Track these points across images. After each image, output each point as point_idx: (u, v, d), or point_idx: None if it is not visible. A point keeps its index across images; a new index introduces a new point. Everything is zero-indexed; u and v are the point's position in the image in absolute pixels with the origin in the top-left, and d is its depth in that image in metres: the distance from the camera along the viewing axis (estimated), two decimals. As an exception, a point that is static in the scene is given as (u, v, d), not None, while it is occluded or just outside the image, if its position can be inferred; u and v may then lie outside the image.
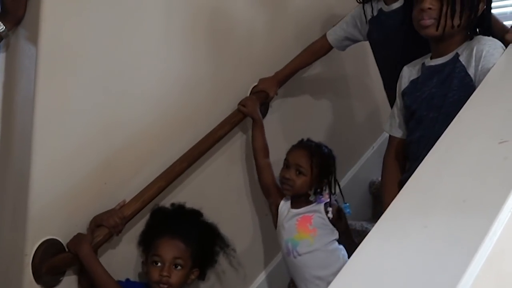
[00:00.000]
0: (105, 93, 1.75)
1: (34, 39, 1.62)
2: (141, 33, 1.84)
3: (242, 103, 2.04)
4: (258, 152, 2.03)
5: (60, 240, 1.64)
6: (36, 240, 1.60)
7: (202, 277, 1.81)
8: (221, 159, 2.03)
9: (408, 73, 1.77)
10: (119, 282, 1.70)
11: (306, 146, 1.94)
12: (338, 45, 2.18)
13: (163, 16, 1.90)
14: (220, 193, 2.00)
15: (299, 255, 1.87)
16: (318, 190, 1.91)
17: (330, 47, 2.19)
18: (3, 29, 1.63)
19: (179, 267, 1.68)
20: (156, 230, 1.75)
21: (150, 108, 1.86)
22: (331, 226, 1.89)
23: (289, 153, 1.94)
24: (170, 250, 1.69)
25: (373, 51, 2.12)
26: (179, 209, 1.82)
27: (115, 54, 1.77)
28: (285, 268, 1.96)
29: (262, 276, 2.16)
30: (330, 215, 1.87)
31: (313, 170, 1.89)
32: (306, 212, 1.91)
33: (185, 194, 1.91)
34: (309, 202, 1.92)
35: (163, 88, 1.90)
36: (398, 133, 1.81)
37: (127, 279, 1.76)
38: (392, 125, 1.83)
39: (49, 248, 1.61)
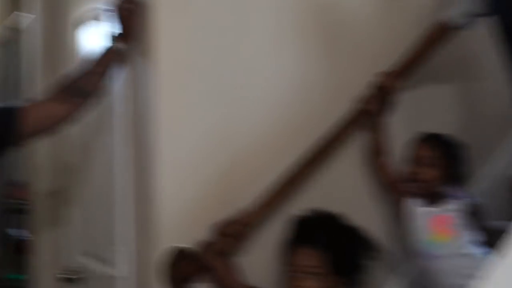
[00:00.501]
0: (221, 101, 1.77)
1: (150, 53, 1.69)
2: (251, 36, 1.83)
3: (361, 101, 1.95)
4: (376, 151, 1.95)
5: (187, 248, 1.67)
6: (163, 248, 1.64)
7: (348, 283, 1.71)
8: (346, 161, 1.96)
9: None
10: None
11: (431, 138, 1.84)
12: (459, 24, 1.98)
13: (273, 15, 1.88)
14: (348, 197, 1.92)
15: (436, 258, 1.76)
16: (452, 183, 1.78)
17: (451, 31, 2.01)
18: (122, 47, 1.71)
19: (314, 276, 1.61)
20: (290, 239, 1.72)
21: (266, 112, 1.85)
22: (469, 226, 1.76)
23: (413, 148, 1.83)
24: (304, 258, 1.64)
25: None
26: (316, 215, 1.75)
27: (227, 61, 1.79)
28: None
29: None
30: (468, 210, 1.74)
31: (443, 162, 1.77)
32: (442, 211, 1.79)
33: (309, 200, 1.86)
34: (443, 199, 1.80)
35: (277, 91, 1.87)
36: None
37: None
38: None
39: (178, 256, 1.65)
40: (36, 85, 2.51)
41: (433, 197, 1.81)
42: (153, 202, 1.66)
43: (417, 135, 1.88)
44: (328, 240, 1.67)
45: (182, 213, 1.68)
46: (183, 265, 1.64)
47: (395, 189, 1.91)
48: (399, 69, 2.02)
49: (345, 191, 1.96)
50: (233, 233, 1.66)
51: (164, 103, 1.68)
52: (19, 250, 3.34)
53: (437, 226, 1.78)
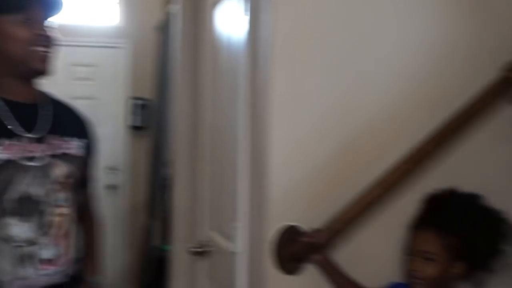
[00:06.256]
0: (343, 70, 1.64)
1: (270, 25, 1.62)
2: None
3: (509, 68, 1.69)
4: None
5: (301, 227, 1.59)
6: (277, 226, 1.59)
7: (481, 267, 1.57)
8: (481, 136, 1.72)
9: None
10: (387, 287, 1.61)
11: None
12: None
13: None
14: (482, 177, 1.69)
15: None
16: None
17: None
18: None
19: (429, 260, 1.51)
20: (414, 220, 1.61)
21: (395, 83, 1.68)
22: None
23: None
24: (419, 242, 1.54)
25: None
26: (449, 195, 1.61)
27: (352, 26, 1.65)
28: None
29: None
30: None
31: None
32: None
33: (437, 179, 1.66)
34: None
35: (410, 59, 1.69)
36: None
37: (392, 283, 1.62)
38: None
39: (290, 235, 1.58)
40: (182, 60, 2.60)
41: None
42: (267, 180, 1.60)
43: None
44: (455, 224, 1.53)
45: (295, 191, 1.60)
46: (294, 244, 1.57)
47: None
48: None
49: (485, 170, 1.73)
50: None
51: (282, 79, 1.60)
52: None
53: None
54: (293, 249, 1.58)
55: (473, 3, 1.75)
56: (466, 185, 1.61)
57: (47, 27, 1.64)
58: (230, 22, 2.05)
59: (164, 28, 4.15)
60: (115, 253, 4.68)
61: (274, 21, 1.61)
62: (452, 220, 1.53)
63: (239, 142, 1.85)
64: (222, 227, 2.05)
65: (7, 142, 1.56)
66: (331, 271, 1.58)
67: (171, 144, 3.61)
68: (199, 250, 2.25)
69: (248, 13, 1.80)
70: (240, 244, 1.79)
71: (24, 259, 1.57)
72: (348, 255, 1.62)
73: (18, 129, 1.60)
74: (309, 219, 1.59)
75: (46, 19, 1.65)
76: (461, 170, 1.69)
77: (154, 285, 4.02)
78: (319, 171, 1.63)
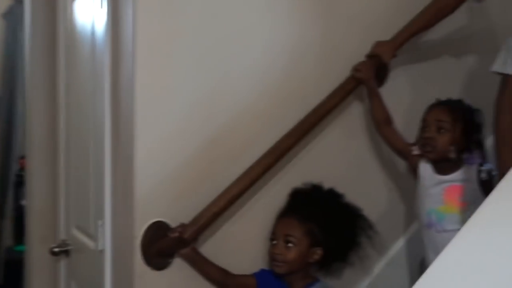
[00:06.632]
0: (206, 69, 1.68)
1: (132, 21, 1.61)
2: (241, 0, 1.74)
3: (356, 68, 1.86)
4: (378, 121, 1.86)
5: (168, 222, 1.62)
6: (144, 223, 1.60)
7: (340, 258, 1.72)
8: (335, 132, 1.88)
9: None
10: (255, 274, 1.69)
11: (444, 103, 1.77)
12: None
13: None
14: (336, 170, 1.85)
15: (445, 231, 1.69)
16: (467, 149, 1.71)
17: (460, 2, 1.88)
18: None
19: (290, 245, 1.62)
20: (280, 211, 1.72)
21: (255, 81, 1.76)
22: (482, 199, 1.66)
23: (426, 113, 1.77)
24: (283, 227, 1.65)
25: None
26: (313, 189, 1.75)
27: (214, 27, 1.69)
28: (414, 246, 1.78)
29: (383, 262, 1.98)
30: (484, 175, 1.67)
31: (457, 125, 1.70)
32: (454, 180, 1.72)
33: (296, 172, 1.79)
34: (456, 168, 1.73)
35: (267, 59, 1.78)
36: None
37: (262, 269, 1.72)
38: (507, 62, 1.57)
39: (157, 231, 1.60)
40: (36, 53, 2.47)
41: (446, 165, 1.74)
42: (133, 177, 1.60)
43: (418, 110, 1.80)
44: (310, 212, 1.65)
45: (161, 187, 1.62)
46: (161, 239, 1.59)
47: (406, 153, 1.83)
48: (398, 39, 1.91)
49: (338, 163, 1.89)
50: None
51: (146, 75, 1.60)
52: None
53: (446, 196, 1.72)
54: (161, 245, 1.60)
55: (324, 8, 1.88)
56: (323, 178, 1.76)
57: None
58: (90, 14, 2.00)
59: (11, 16, 3.89)
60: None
61: (135, 17, 1.60)
62: (314, 209, 1.66)
63: (103, 139, 1.81)
64: (86, 225, 2.00)
65: None
66: (200, 262, 1.63)
67: (23, 139, 3.42)
68: (60, 249, 2.18)
69: (105, 6, 1.77)
70: (105, 242, 1.77)
71: None
72: (217, 247, 1.68)
73: None
74: (176, 214, 1.62)
75: None
76: (318, 164, 1.83)
77: (3, 289, 3.79)
78: (184, 167, 1.66)
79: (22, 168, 3.86)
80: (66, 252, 2.21)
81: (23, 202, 4.06)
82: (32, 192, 2.46)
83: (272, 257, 1.64)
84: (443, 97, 1.81)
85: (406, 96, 2.05)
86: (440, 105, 1.77)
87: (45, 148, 2.43)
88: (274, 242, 1.65)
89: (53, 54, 2.39)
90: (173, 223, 1.62)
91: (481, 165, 1.71)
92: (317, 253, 1.65)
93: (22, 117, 3.58)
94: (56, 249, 2.19)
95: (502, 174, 1.56)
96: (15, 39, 3.74)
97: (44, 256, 2.31)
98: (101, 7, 1.81)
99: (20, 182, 3.74)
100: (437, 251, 1.67)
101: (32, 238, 2.44)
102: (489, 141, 1.82)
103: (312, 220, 1.64)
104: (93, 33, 1.96)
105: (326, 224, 1.65)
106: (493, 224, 0.76)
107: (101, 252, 1.80)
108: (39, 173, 2.44)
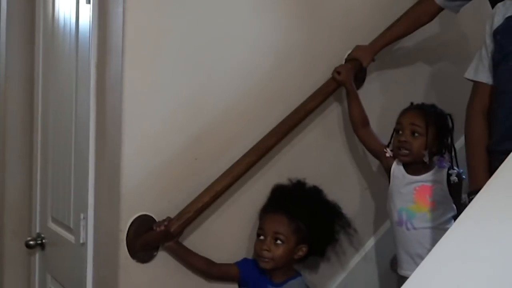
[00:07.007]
0: (193, 68, 1.72)
1: (122, 17, 1.63)
2: (228, 2, 1.78)
3: (336, 70, 1.92)
4: (356, 123, 1.93)
5: (153, 216, 1.65)
6: (129, 217, 1.63)
7: (319, 253, 1.79)
8: (315, 132, 1.94)
9: (504, 10, 1.58)
10: (237, 262, 1.74)
11: (418, 107, 1.84)
12: (448, 5, 1.94)
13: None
14: (315, 168, 1.91)
15: (414, 228, 1.77)
16: (438, 152, 1.79)
17: (437, 11, 1.97)
18: None
19: (279, 242, 1.67)
20: (266, 205, 1.77)
21: (240, 81, 1.81)
22: (451, 200, 1.77)
23: (400, 116, 1.84)
24: (272, 224, 1.69)
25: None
26: (297, 186, 1.80)
27: (202, 27, 1.73)
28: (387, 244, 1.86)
29: (358, 257, 2.06)
30: (454, 178, 1.75)
31: (429, 130, 1.77)
32: (425, 180, 1.79)
33: (277, 170, 1.85)
34: (427, 169, 1.80)
35: (253, 60, 1.83)
36: (487, 79, 1.63)
37: (245, 258, 1.77)
38: (478, 69, 1.64)
39: (142, 224, 1.63)
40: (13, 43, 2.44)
41: (418, 166, 1.81)
42: (119, 171, 1.62)
43: (393, 112, 1.87)
44: (298, 210, 1.70)
45: (147, 182, 1.65)
46: (146, 233, 1.62)
47: (381, 154, 1.90)
48: (377, 44, 1.98)
49: (317, 162, 1.95)
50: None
51: (131, 69, 1.62)
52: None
53: (417, 195, 1.79)
54: (146, 238, 1.63)
55: (308, 13, 1.95)
56: (302, 176, 1.82)
57: None
58: (73, 8, 2.00)
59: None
60: None
61: (125, 14, 1.61)
62: (301, 208, 1.71)
63: (87, 133, 1.82)
64: (64, 219, 2.01)
65: None
66: (184, 254, 1.67)
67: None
68: (35, 242, 2.17)
69: (92, 1, 1.78)
70: (88, 235, 1.78)
71: None
72: (200, 241, 1.72)
73: None
74: (161, 209, 1.66)
75: None
76: (297, 162, 1.89)
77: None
78: (170, 163, 1.69)
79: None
80: (41, 245, 2.20)
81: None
82: (5, 185, 2.43)
83: (259, 253, 1.68)
84: (414, 102, 1.88)
85: (380, 100, 2.13)
86: (415, 109, 1.84)
87: (20, 141, 2.40)
88: (262, 238, 1.69)
89: (31, 44, 2.37)
90: (158, 218, 1.65)
91: (450, 168, 1.79)
92: (303, 250, 1.70)
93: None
94: (31, 242, 2.18)
95: (471, 178, 1.65)
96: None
97: (18, 250, 2.29)
98: (88, 2, 1.82)
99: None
100: (407, 248, 1.78)
101: (6, 231, 2.42)
102: (457, 144, 1.92)
103: (300, 217, 1.69)
104: (77, 27, 1.96)
105: (311, 222, 1.70)
106: (486, 217, 0.82)
107: (82, 245, 1.81)
108: (13, 166, 2.41)
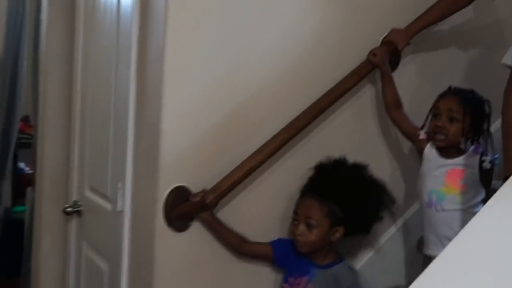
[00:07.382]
0: (231, 47, 1.76)
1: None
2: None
3: (372, 52, 1.94)
4: (389, 104, 1.94)
5: (189, 187, 1.71)
6: (167, 187, 1.68)
7: (363, 232, 1.81)
8: (347, 113, 1.97)
9: None
10: (271, 242, 1.77)
11: (456, 92, 1.83)
12: None
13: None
14: (345, 149, 1.94)
15: (443, 210, 1.79)
16: (475, 138, 1.79)
17: None
18: None
19: (311, 226, 1.70)
20: (303, 188, 1.79)
21: (275, 62, 1.84)
22: (480, 185, 1.78)
23: (438, 100, 1.83)
24: (304, 209, 1.72)
25: None
26: (335, 165, 1.80)
27: (241, 7, 1.77)
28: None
29: (386, 236, 2.10)
30: (487, 164, 1.75)
31: (467, 117, 1.77)
32: (457, 164, 1.80)
33: (309, 149, 1.89)
34: (460, 153, 1.81)
35: (289, 41, 1.86)
36: None
37: (279, 239, 1.80)
38: None
39: (179, 195, 1.69)
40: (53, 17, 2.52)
41: (451, 150, 1.82)
42: (159, 143, 1.68)
43: (428, 97, 1.88)
44: (337, 192, 1.71)
45: (186, 154, 1.71)
46: (183, 203, 1.68)
47: (414, 137, 1.91)
48: (413, 27, 1.99)
49: (347, 143, 1.98)
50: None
51: (173, 46, 1.67)
52: (26, 183, 3.42)
53: (448, 178, 1.80)
54: (182, 208, 1.69)
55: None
56: (333, 155, 1.85)
57: None
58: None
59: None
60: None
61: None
62: (334, 189, 1.72)
63: (127, 105, 1.87)
64: (102, 187, 2.08)
65: None
66: (218, 227, 1.72)
67: (26, 100, 3.47)
68: (72, 209, 2.25)
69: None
70: (125, 203, 1.85)
71: None
72: (233, 214, 1.77)
73: None
74: (196, 181, 1.71)
75: None
76: (329, 142, 1.93)
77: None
78: (207, 137, 1.74)
79: (20, 131, 3.91)
80: (78, 213, 2.29)
81: (21, 164, 4.13)
82: (44, 154, 2.52)
83: (295, 238, 1.72)
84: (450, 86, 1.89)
85: (414, 82, 2.15)
86: (453, 94, 1.83)
87: (58, 111, 2.49)
88: (296, 222, 1.72)
89: (71, 19, 2.44)
90: (193, 189, 1.71)
91: (483, 154, 1.80)
92: (339, 232, 1.72)
93: (26, 79, 3.63)
94: (69, 209, 2.27)
95: (507, 162, 1.66)
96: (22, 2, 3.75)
97: (55, 216, 2.39)
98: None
99: (17, 145, 3.79)
100: (435, 229, 1.81)
101: (44, 198, 2.51)
102: (492, 128, 1.91)
103: (333, 200, 1.70)
104: (118, 1, 2.01)
105: (347, 203, 1.71)
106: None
107: (119, 213, 1.88)
108: (52, 137, 2.49)
